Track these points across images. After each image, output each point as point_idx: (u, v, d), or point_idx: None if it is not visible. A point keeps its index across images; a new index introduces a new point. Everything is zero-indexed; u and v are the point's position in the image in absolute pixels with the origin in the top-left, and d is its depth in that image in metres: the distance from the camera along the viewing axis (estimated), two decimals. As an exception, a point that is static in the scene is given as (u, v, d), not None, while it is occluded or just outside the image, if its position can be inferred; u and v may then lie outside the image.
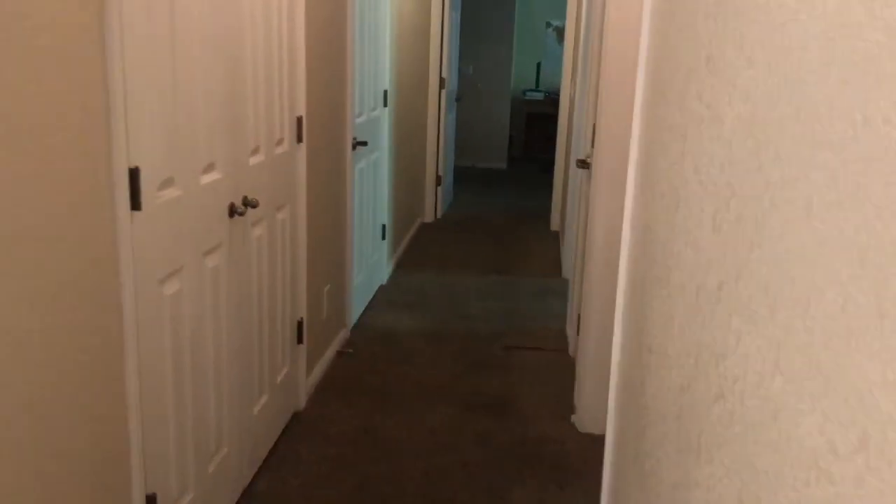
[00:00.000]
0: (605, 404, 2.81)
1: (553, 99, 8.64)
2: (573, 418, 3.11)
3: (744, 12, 0.98)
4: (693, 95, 1.25)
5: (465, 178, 8.19)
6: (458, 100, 7.17)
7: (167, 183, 1.84)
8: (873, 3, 0.60)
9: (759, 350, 0.83)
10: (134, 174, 1.66)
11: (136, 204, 1.68)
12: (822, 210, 0.68)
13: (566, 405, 3.24)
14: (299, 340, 2.98)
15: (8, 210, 1.30)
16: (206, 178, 2.06)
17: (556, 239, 5.98)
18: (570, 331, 3.90)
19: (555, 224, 6.21)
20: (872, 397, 0.55)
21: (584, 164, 3.35)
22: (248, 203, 2.32)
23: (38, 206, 1.37)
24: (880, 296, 0.55)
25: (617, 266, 2.81)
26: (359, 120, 3.80)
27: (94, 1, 1.50)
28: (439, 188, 6.35)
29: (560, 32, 8.87)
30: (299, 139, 2.83)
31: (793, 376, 0.72)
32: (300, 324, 2.97)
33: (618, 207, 2.83)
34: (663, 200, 1.47)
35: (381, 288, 4.60)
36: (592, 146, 3.10)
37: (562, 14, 8.50)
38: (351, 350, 3.67)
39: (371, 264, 4.34)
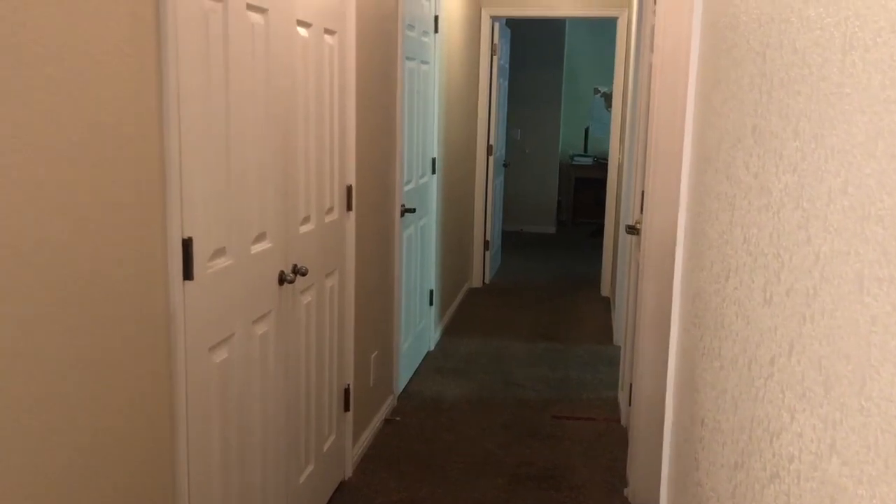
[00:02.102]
0: (659, 477, 2.71)
1: (601, 164, 8.66)
2: (626, 491, 3.01)
3: (788, 84, 0.98)
4: (740, 164, 1.24)
5: (514, 242, 8.19)
6: (505, 165, 7.24)
7: (219, 253, 1.88)
8: (918, 77, 0.59)
9: (815, 429, 0.79)
10: (187, 245, 1.71)
11: (188, 274, 1.72)
12: (873, 285, 0.66)
13: (619, 477, 3.14)
14: (346, 408, 2.98)
15: (65, 276, 1.34)
16: (257, 248, 2.11)
17: (606, 305, 5.91)
18: (622, 400, 3.81)
19: (605, 289, 6.14)
20: (935, 486, 0.53)
21: (633, 229, 3.32)
22: (298, 271, 2.35)
23: (93, 275, 1.42)
24: (938, 378, 0.53)
25: (668, 334, 2.75)
26: (407, 187, 3.86)
27: (153, 78, 1.57)
28: (487, 253, 6.36)
29: (608, 98, 8.94)
30: (349, 207, 2.88)
31: (850, 458, 0.69)
32: (347, 391, 2.97)
33: (668, 274, 2.79)
34: (713, 269, 1.44)
35: (429, 354, 4.59)
36: (641, 212, 3.08)
37: (609, 80, 8.58)
38: (398, 418, 3.64)
39: (418, 330, 4.34)
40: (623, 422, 3.66)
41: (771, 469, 0.96)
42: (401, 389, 3.92)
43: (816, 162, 0.84)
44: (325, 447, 2.77)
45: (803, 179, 0.89)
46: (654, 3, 2.99)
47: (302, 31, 2.35)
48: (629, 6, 5.60)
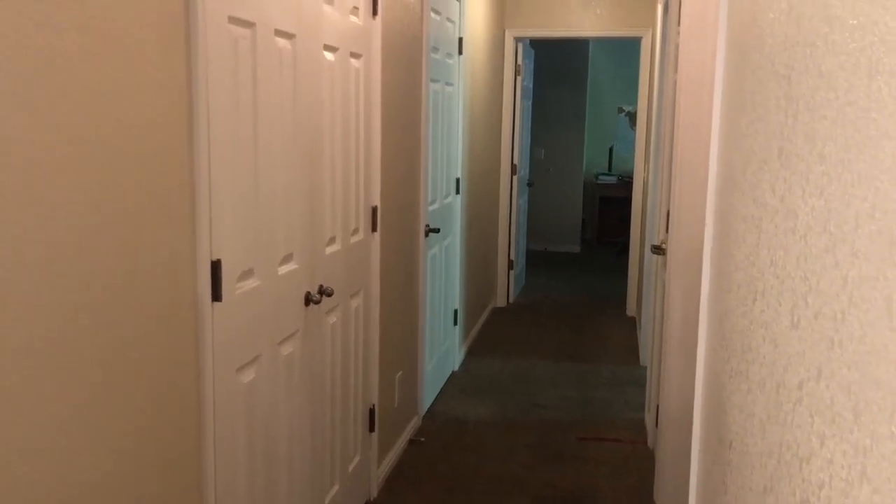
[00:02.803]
0: (686, 500, 2.68)
1: (626, 183, 8.63)
2: (653, 514, 2.98)
3: (814, 108, 0.98)
4: (766, 187, 1.24)
5: (538, 261, 8.18)
6: (529, 184, 7.24)
7: (247, 274, 1.91)
8: (944, 105, 0.59)
9: (845, 455, 0.79)
10: (216, 267, 1.73)
11: (216, 295, 1.74)
12: (903, 312, 0.65)
13: (645, 500, 3.11)
14: (371, 428, 2.98)
15: (97, 297, 1.37)
16: (284, 269, 2.13)
17: (632, 325, 5.86)
18: (648, 421, 3.77)
19: (631, 309, 6.10)
20: (967, 516, 0.52)
21: (658, 249, 3.31)
22: (324, 291, 2.37)
23: (123, 297, 1.44)
24: (969, 407, 0.52)
25: (695, 355, 2.73)
26: (431, 207, 3.88)
27: (184, 104, 1.61)
28: (511, 272, 6.35)
29: (632, 117, 8.93)
30: (374, 228, 2.90)
31: (880, 486, 0.68)
32: (372, 411, 2.98)
33: (694, 295, 2.77)
34: (739, 291, 1.43)
35: (453, 374, 4.58)
36: (667, 232, 3.07)
37: (633, 99, 8.57)
38: (423, 438, 3.64)
39: (443, 350, 4.34)
40: (650, 443, 3.62)
41: (801, 495, 0.95)
42: (425, 410, 3.92)
43: (843, 186, 0.84)
44: (351, 467, 2.77)
45: (830, 203, 0.88)
46: (678, 23, 2.99)
47: (328, 55, 2.39)
48: (653, 26, 5.60)
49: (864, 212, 0.77)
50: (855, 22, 0.83)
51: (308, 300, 2.28)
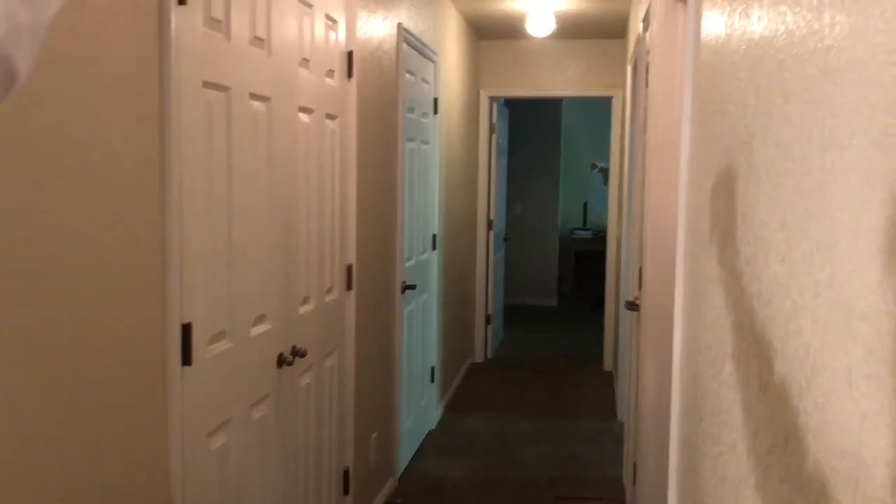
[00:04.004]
0: (665, 562, 2.64)
1: (601, 237, 8.71)
2: (633, 576, 2.93)
3: (773, 176, 1.00)
4: (731, 251, 1.26)
5: (516, 316, 8.17)
6: (506, 239, 7.29)
7: (218, 337, 1.89)
8: (893, 182, 0.61)
9: (814, 525, 0.78)
10: (186, 330, 1.72)
11: (187, 359, 1.72)
12: (862, 383, 0.66)
13: (625, 561, 3.06)
14: (346, 491, 2.92)
15: (63, 362, 1.35)
16: (257, 330, 2.11)
17: (609, 379, 5.85)
18: (626, 479, 3.74)
19: (608, 364, 6.10)
20: None
21: (633, 305, 3.33)
22: (297, 352, 2.35)
23: (91, 363, 1.42)
24: (927, 483, 0.53)
25: (670, 414, 2.72)
26: (408, 264, 3.89)
27: (156, 165, 1.61)
28: (489, 328, 6.34)
29: (605, 173, 9.06)
30: (349, 286, 2.90)
31: (849, 559, 0.68)
32: (346, 474, 2.92)
33: (668, 352, 2.78)
34: (710, 353, 1.44)
35: (431, 433, 4.52)
36: (640, 288, 3.09)
37: (606, 156, 8.71)
38: (399, 500, 3.57)
39: (420, 408, 4.30)
40: (628, 502, 3.58)
41: (773, 564, 0.94)
42: (402, 470, 3.86)
43: (803, 255, 0.86)
44: (324, 532, 2.71)
45: (792, 270, 0.90)
46: (647, 85, 3.07)
47: (304, 116, 2.41)
48: (623, 86, 5.74)
49: (823, 281, 0.78)
50: (808, 96, 0.86)
51: (281, 362, 2.25)
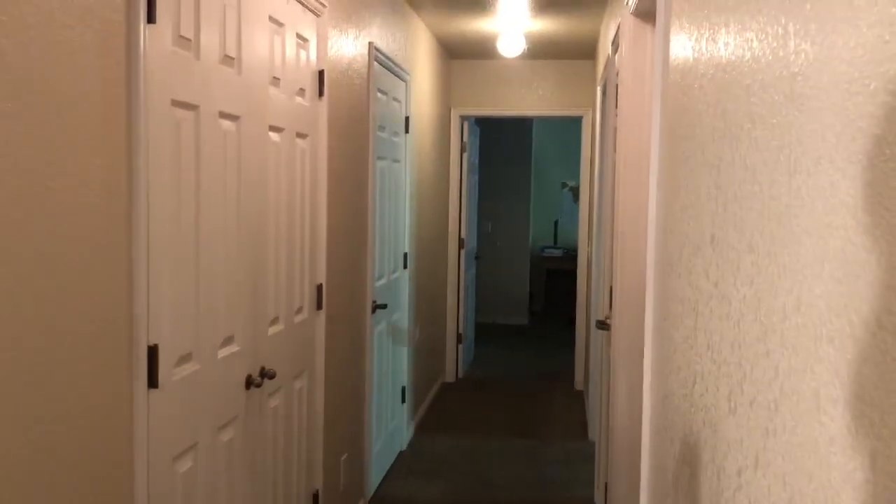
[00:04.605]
0: (637, 582, 2.64)
1: (571, 255, 8.77)
2: None
3: (741, 199, 1.01)
4: (700, 272, 1.27)
5: (487, 334, 8.17)
6: (477, 257, 7.30)
7: (185, 358, 1.86)
8: (856, 209, 0.62)
9: (784, 548, 0.79)
10: (153, 352, 1.69)
11: (153, 382, 1.69)
12: (829, 405, 0.67)
13: (596, 582, 3.05)
14: (315, 514, 2.88)
15: (24, 386, 1.31)
16: (224, 352, 2.08)
17: (580, 398, 5.86)
18: (597, 499, 3.73)
19: (579, 383, 6.11)
20: None
21: (603, 325, 3.34)
22: (266, 374, 2.32)
23: (55, 385, 1.39)
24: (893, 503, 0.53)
25: (640, 436, 2.73)
26: (379, 283, 3.87)
27: (123, 185, 1.59)
28: (460, 346, 6.33)
29: (575, 192, 9.14)
30: (319, 306, 2.87)
31: (818, 583, 0.68)
32: (316, 497, 2.88)
33: (639, 372, 2.79)
34: (680, 374, 1.45)
35: (402, 454, 4.49)
36: (611, 308, 3.11)
37: (576, 175, 8.79)
38: (369, 521, 3.52)
39: (390, 429, 4.26)
40: (600, 522, 3.58)
41: (744, 586, 0.94)
42: (372, 492, 3.82)
43: (771, 277, 0.86)
44: (293, 557, 2.66)
45: (760, 293, 0.91)
46: (616, 105, 3.10)
47: (274, 136, 2.40)
48: (593, 106, 5.80)
49: (791, 304, 0.79)
50: (775, 121, 0.87)
51: (249, 383, 2.22)
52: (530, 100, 6.09)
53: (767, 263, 0.88)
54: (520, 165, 8.92)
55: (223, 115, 2.04)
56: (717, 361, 1.13)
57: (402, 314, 4.49)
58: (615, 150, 3.03)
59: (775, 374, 0.84)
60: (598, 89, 4.73)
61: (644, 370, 1.88)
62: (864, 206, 0.60)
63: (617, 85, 3.03)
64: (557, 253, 9.18)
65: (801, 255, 0.76)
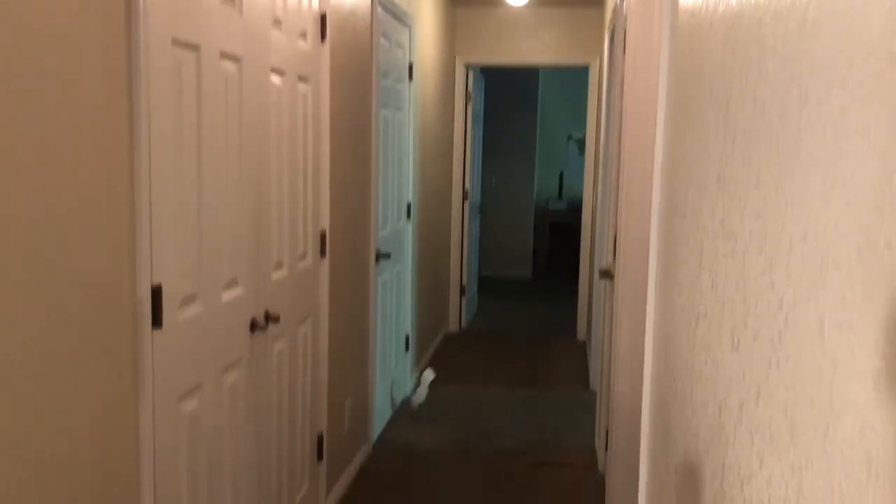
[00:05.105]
0: (635, 524, 2.69)
1: (576, 209, 8.74)
2: (603, 539, 2.98)
3: (750, 134, 1.00)
4: (707, 211, 1.26)
5: (490, 287, 8.20)
6: (481, 210, 7.29)
7: (189, 300, 1.87)
8: (868, 131, 0.61)
9: (783, 474, 0.79)
10: (156, 292, 1.69)
11: (157, 322, 1.70)
12: (833, 332, 0.67)
13: (596, 525, 3.11)
14: (319, 457, 2.93)
15: (29, 323, 1.32)
16: (228, 295, 2.09)
17: (582, 349, 5.91)
18: (598, 446, 3.79)
19: (581, 334, 6.15)
20: (897, 533, 0.53)
21: (606, 274, 3.35)
22: (270, 318, 2.33)
23: (58, 323, 1.40)
24: (896, 424, 0.53)
25: (643, 379, 2.75)
26: (382, 233, 3.87)
27: (125, 126, 1.58)
28: (463, 298, 6.35)
29: (581, 144, 9.07)
30: (322, 253, 2.88)
31: (817, 505, 0.69)
32: (320, 440, 2.93)
33: (641, 319, 2.80)
34: (683, 314, 1.45)
35: (405, 401, 4.54)
36: (615, 257, 3.11)
37: (582, 126, 8.72)
38: (373, 467, 3.59)
39: (394, 377, 4.31)
40: (600, 467, 3.63)
41: (742, 516, 0.96)
42: (376, 437, 3.87)
43: (777, 210, 0.86)
44: (298, 498, 2.71)
45: (766, 227, 0.90)
46: (623, 51, 3.06)
47: (276, 78, 2.37)
48: (600, 54, 5.72)
49: (797, 235, 0.78)
50: (786, 51, 0.85)
51: (254, 327, 2.23)
52: (537, 48, 6.01)
53: (775, 196, 0.87)
54: (525, 117, 8.84)
55: (224, 56, 2.01)
56: (721, 299, 1.13)
57: (406, 264, 4.49)
58: (622, 98, 3.00)
59: (779, 306, 0.83)
60: (606, 36, 4.66)
61: (646, 315, 1.89)
62: (876, 128, 0.59)
63: (625, 30, 2.98)
64: (562, 206, 9.15)
65: (808, 185, 0.75)
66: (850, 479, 0.61)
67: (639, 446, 2.51)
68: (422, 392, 4.35)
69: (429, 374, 4.36)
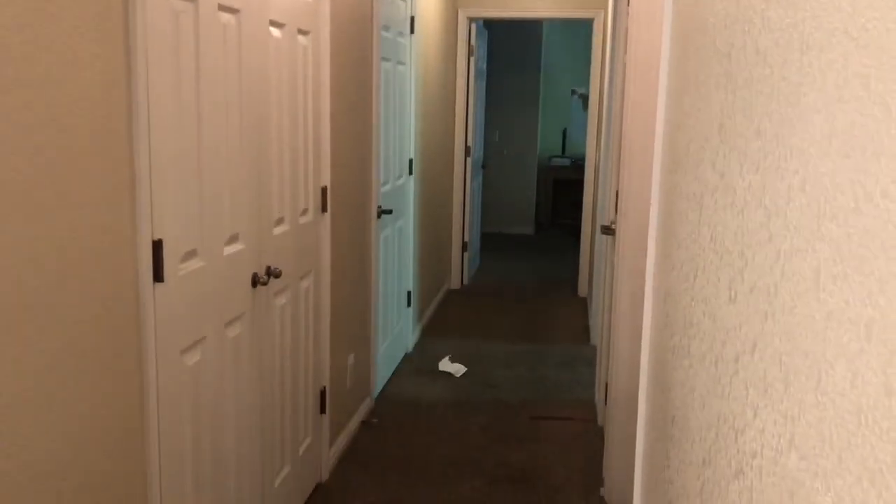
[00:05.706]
0: (633, 476, 2.73)
1: (579, 165, 8.70)
2: (602, 491, 3.03)
3: (751, 84, 0.99)
4: (707, 164, 1.26)
5: (492, 244, 8.21)
6: (483, 167, 7.25)
7: (190, 254, 1.87)
8: (869, 78, 0.60)
9: (776, 424, 0.80)
10: (157, 247, 1.70)
11: (158, 276, 1.70)
12: (828, 282, 0.67)
13: (595, 477, 3.16)
14: (322, 410, 2.96)
15: (30, 278, 1.33)
16: (230, 249, 2.09)
17: (583, 305, 5.93)
18: (598, 400, 3.83)
19: (582, 290, 6.17)
20: (884, 478, 0.53)
21: (608, 230, 3.34)
22: (272, 273, 2.34)
23: (60, 277, 1.40)
24: (887, 373, 0.54)
25: (642, 334, 2.77)
26: (384, 188, 3.86)
27: (122, 78, 1.56)
28: (465, 254, 6.36)
29: (585, 99, 8.99)
30: (324, 209, 2.87)
31: (807, 453, 0.69)
32: (323, 393, 2.96)
33: (642, 274, 2.81)
34: (682, 269, 1.46)
35: (407, 356, 4.58)
36: (616, 212, 3.10)
37: (586, 82, 8.62)
38: (375, 420, 3.63)
39: (396, 332, 4.33)
40: (600, 421, 3.68)
41: (735, 465, 0.97)
42: (378, 391, 3.92)
43: (777, 160, 0.85)
44: (301, 450, 2.76)
45: (765, 178, 0.90)
46: (628, 4, 3.01)
47: (275, 31, 2.34)
48: (605, 7, 5.63)
49: (796, 185, 0.78)
50: (789, -2, 0.84)
51: (255, 281, 2.24)
52: (540, 1, 5.91)
53: (775, 146, 0.86)
54: (529, 72, 8.74)
55: (222, 8, 1.98)
56: (720, 252, 1.13)
57: (408, 220, 4.49)
58: (626, 51, 2.96)
59: (777, 258, 0.83)
60: (611, -11, 4.58)
61: (647, 270, 1.89)
62: (877, 75, 0.58)
63: (629, -19, 2.92)
64: (565, 163, 9.10)
65: (808, 134, 0.75)
66: (840, 428, 0.62)
67: (637, 400, 2.53)
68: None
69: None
